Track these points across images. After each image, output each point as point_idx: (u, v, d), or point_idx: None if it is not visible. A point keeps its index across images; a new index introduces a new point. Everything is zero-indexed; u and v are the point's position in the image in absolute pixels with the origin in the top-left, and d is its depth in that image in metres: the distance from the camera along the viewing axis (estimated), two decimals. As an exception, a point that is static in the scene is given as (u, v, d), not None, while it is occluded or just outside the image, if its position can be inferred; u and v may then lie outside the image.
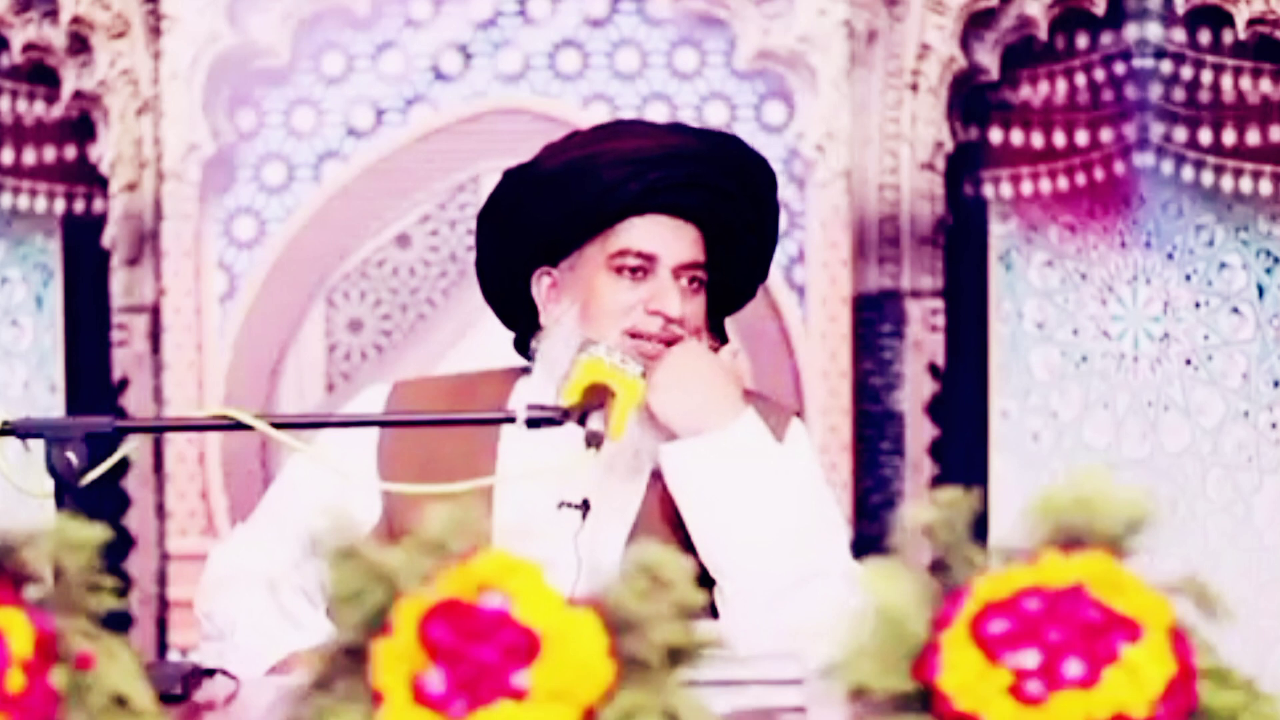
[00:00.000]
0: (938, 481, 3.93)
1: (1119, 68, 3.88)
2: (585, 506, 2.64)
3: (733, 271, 2.74)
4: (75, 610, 1.70)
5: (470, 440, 2.67)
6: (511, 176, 2.74)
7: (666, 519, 2.63)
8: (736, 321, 2.88)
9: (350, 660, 1.65)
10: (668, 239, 2.65)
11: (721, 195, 2.67)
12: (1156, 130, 3.87)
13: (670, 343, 2.63)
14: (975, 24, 3.92)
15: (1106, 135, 3.89)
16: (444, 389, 2.80)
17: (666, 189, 2.64)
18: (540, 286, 2.71)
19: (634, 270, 2.65)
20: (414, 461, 2.62)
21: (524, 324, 2.75)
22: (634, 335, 2.63)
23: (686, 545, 2.56)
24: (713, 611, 2.60)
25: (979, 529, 1.69)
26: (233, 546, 2.81)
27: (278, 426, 2.40)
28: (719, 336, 2.78)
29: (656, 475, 2.66)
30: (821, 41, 3.92)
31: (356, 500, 2.64)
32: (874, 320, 3.96)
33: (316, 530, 1.69)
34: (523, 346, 2.76)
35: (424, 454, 2.65)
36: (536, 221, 2.69)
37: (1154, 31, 3.86)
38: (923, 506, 1.69)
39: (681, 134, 2.76)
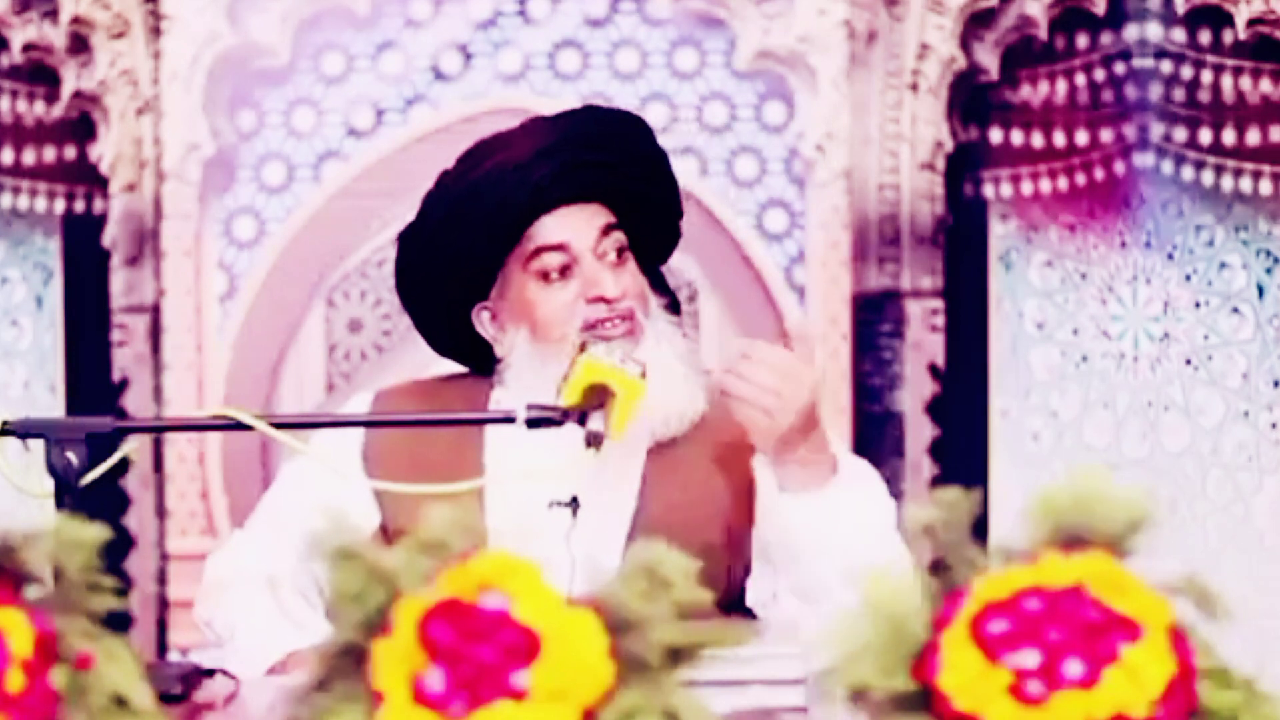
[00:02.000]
0: (938, 481, 3.93)
1: (1119, 68, 3.88)
2: (575, 504, 2.64)
3: (647, 223, 2.73)
4: (75, 610, 1.70)
5: (455, 443, 2.67)
6: (407, 237, 2.73)
7: (668, 518, 2.62)
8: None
9: (350, 660, 1.65)
10: (575, 224, 2.64)
11: (604, 168, 2.66)
12: (1156, 130, 3.87)
13: (624, 319, 2.62)
14: (975, 24, 3.92)
15: (1106, 135, 3.89)
16: (424, 393, 2.80)
17: (550, 184, 2.63)
18: (483, 323, 2.71)
19: (559, 271, 2.63)
20: (400, 467, 2.60)
21: (480, 357, 2.75)
22: (588, 328, 2.62)
23: (689, 545, 2.56)
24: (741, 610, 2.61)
25: (979, 529, 1.69)
26: (230, 551, 2.81)
27: (278, 426, 2.40)
28: (663, 292, 2.76)
29: (652, 471, 2.65)
30: (821, 41, 3.92)
31: (354, 504, 2.64)
32: (874, 320, 3.96)
33: (316, 531, 1.69)
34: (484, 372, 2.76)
35: (410, 458, 2.64)
36: (448, 266, 2.68)
37: (1154, 31, 3.86)
38: (923, 506, 1.69)
39: (544, 126, 2.74)
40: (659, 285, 2.76)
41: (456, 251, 2.66)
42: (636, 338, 2.62)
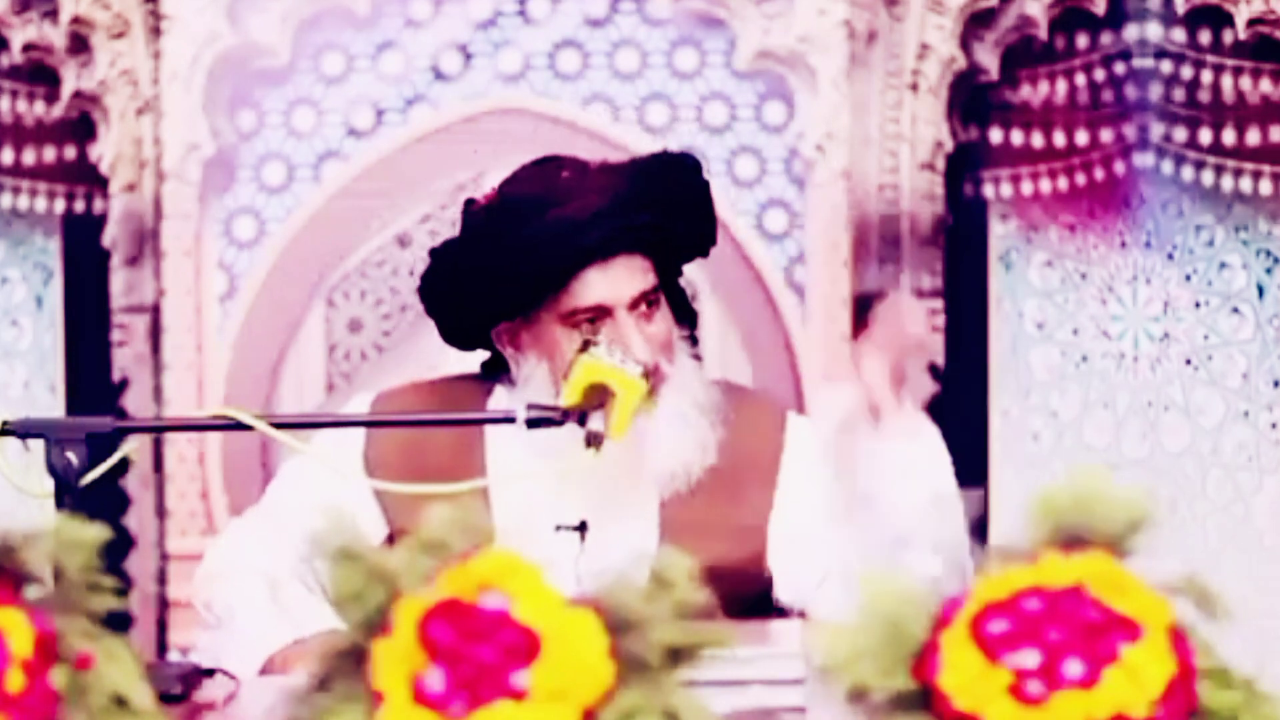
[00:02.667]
0: (938, 481, 3.93)
1: (1119, 68, 3.88)
2: (583, 529, 2.64)
3: (685, 257, 2.75)
4: (75, 610, 1.70)
5: (456, 445, 2.67)
6: (442, 255, 2.72)
7: (692, 546, 2.62)
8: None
9: (350, 660, 1.65)
10: (617, 283, 2.63)
11: (654, 229, 2.65)
12: (1156, 130, 3.87)
13: (647, 375, 2.58)
14: (975, 24, 3.92)
15: (1106, 135, 3.89)
16: (424, 395, 2.79)
17: (599, 247, 2.62)
18: (503, 342, 2.70)
19: (590, 320, 2.63)
20: (401, 469, 2.60)
21: (489, 352, 2.75)
22: None
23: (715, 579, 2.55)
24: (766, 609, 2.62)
25: (979, 529, 1.69)
26: (230, 539, 2.81)
27: (278, 426, 2.40)
28: (685, 317, 2.75)
29: (669, 500, 2.65)
30: (821, 41, 3.92)
31: (356, 505, 2.64)
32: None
33: (317, 531, 1.69)
34: (491, 370, 2.75)
35: (411, 460, 2.64)
36: (478, 297, 2.68)
37: (1154, 31, 3.86)
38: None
39: (603, 182, 2.68)
40: (682, 308, 2.75)
41: (492, 289, 2.65)
42: (658, 394, 2.61)
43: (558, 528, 2.62)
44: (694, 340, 2.76)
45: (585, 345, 2.60)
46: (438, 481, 2.42)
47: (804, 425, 2.75)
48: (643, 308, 2.64)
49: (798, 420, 2.75)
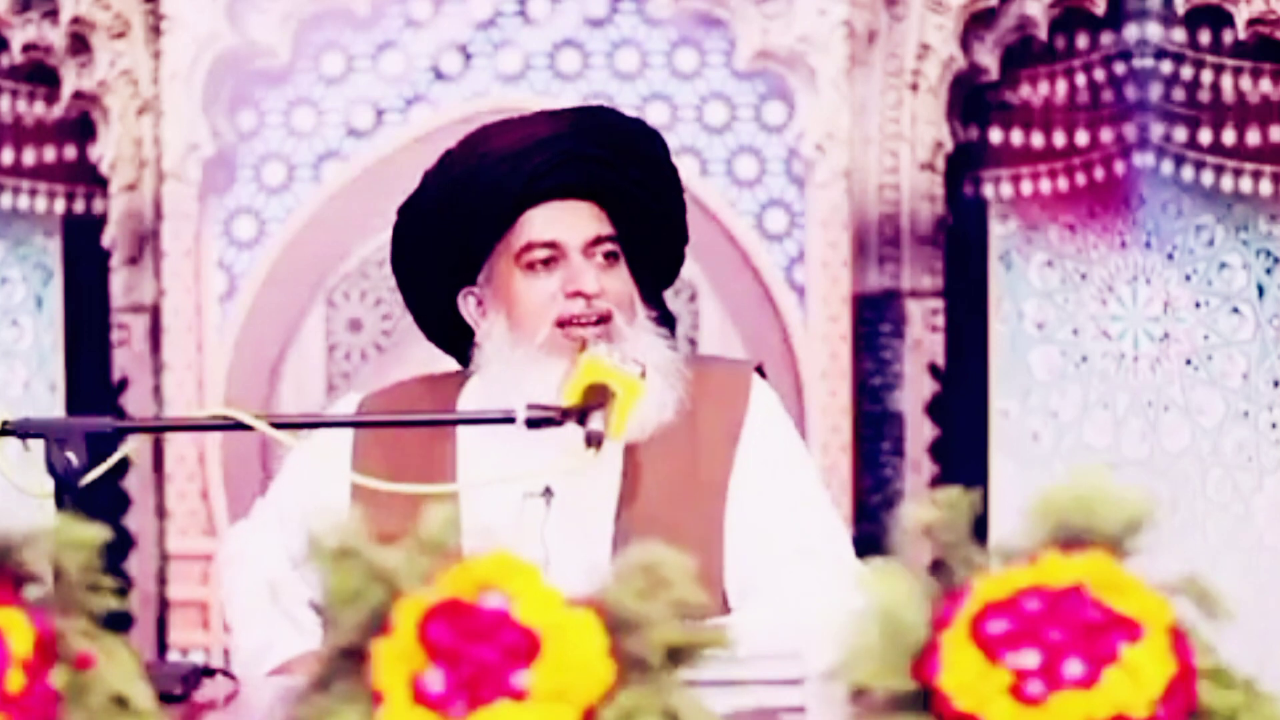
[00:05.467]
0: (938, 481, 3.93)
1: (1119, 68, 3.88)
2: (548, 494, 2.63)
3: (647, 240, 2.72)
4: (75, 610, 1.70)
5: (428, 442, 2.67)
6: (403, 212, 2.74)
7: (654, 509, 2.62)
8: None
9: (350, 661, 1.65)
10: (567, 221, 2.64)
11: (603, 165, 2.65)
12: (1156, 130, 3.87)
13: (601, 320, 2.61)
14: (975, 24, 3.92)
15: (1106, 135, 3.89)
16: (404, 395, 2.79)
17: (547, 173, 2.63)
18: (468, 307, 2.71)
19: (544, 262, 2.63)
20: (379, 469, 2.59)
21: (465, 345, 2.75)
22: (562, 324, 2.62)
23: (678, 535, 2.53)
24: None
25: (979, 529, 1.69)
26: (231, 542, 2.84)
27: (278, 426, 2.40)
28: (658, 308, 2.75)
29: (631, 464, 2.64)
30: (821, 41, 3.92)
31: (337, 507, 2.63)
32: (874, 320, 3.96)
33: (311, 533, 1.69)
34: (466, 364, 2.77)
35: (388, 460, 2.63)
36: (439, 247, 2.69)
37: (1154, 31, 3.86)
38: (923, 506, 1.69)
39: (550, 118, 2.74)
40: (654, 299, 2.76)
41: (448, 234, 2.67)
42: (611, 340, 2.62)
43: (525, 495, 2.61)
44: (668, 324, 2.74)
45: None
46: (412, 475, 2.44)
47: (767, 390, 2.74)
48: (599, 258, 2.64)
49: (762, 383, 2.74)
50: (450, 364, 2.84)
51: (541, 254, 2.64)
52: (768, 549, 2.61)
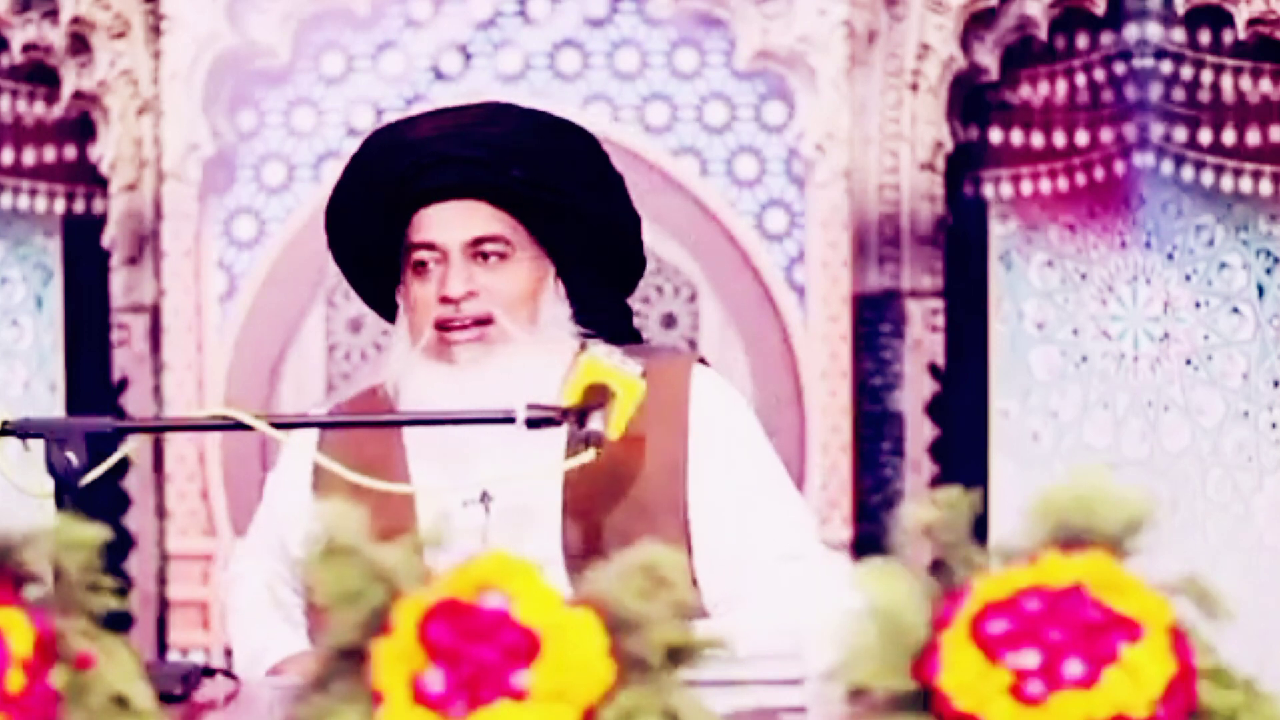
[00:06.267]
0: (938, 481, 3.93)
1: (1119, 68, 3.88)
2: (485, 499, 2.61)
3: (572, 240, 2.67)
4: (75, 610, 1.70)
5: (380, 453, 2.64)
6: (328, 206, 2.75)
7: (600, 507, 2.59)
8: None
9: (349, 660, 1.65)
10: (449, 221, 2.61)
11: (477, 165, 2.62)
12: (1156, 130, 3.87)
13: (478, 323, 2.59)
14: (975, 24, 3.92)
15: (1106, 135, 3.89)
16: (357, 407, 2.77)
17: (416, 176, 2.61)
18: (400, 305, 2.71)
19: (428, 264, 2.62)
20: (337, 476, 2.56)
21: None
22: (438, 326, 2.60)
23: (624, 532, 2.51)
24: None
25: (979, 529, 1.69)
26: (241, 552, 2.85)
27: (278, 426, 2.40)
28: (608, 312, 2.72)
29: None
30: (821, 41, 3.92)
31: (302, 512, 2.62)
32: (874, 320, 3.96)
33: (314, 531, 1.69)
34: None
35: (351, 463, 2.61)
36: (350, 249, 2.72)
37: (1154, 31, 3.86)
38: (923, 506, 1.69)
39: (433, 118, 2.73)
40: (608, 303, 2.72)
41: (357, 231, 2.69)
42: (486, 343, 2.59)
43: (464, 502, 2.59)
44: (614, 334, 2.70)
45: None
46: (370, 473, 2.41)
47: (710, 374, 2.70)
48: (487, 259, 2.61)
49: (704, 370, 2.70)
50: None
51: (422, 255, 2.62)
52: (743, 551, 2.58)
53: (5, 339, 4.01)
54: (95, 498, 2.23)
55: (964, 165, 3.94)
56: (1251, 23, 3.83)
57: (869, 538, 3.85)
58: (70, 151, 3.99)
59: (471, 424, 2.65)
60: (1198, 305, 3.87)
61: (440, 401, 2.55)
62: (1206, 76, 3.86)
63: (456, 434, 2.50)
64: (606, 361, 2.51)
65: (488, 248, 2.62)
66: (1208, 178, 3.86)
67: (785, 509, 2.64)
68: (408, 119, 2.75)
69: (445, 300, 2.59)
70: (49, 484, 2.24)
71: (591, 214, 2.68)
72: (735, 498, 2.61)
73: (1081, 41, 3.90)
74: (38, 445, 2.26)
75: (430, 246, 2.61)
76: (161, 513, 4.00)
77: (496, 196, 2.62)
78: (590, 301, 2.68)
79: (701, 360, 2.73)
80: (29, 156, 3.99)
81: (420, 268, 2.62)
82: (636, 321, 2.82)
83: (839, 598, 1.70)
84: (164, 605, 4.00)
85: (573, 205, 2.66)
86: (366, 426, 2.73)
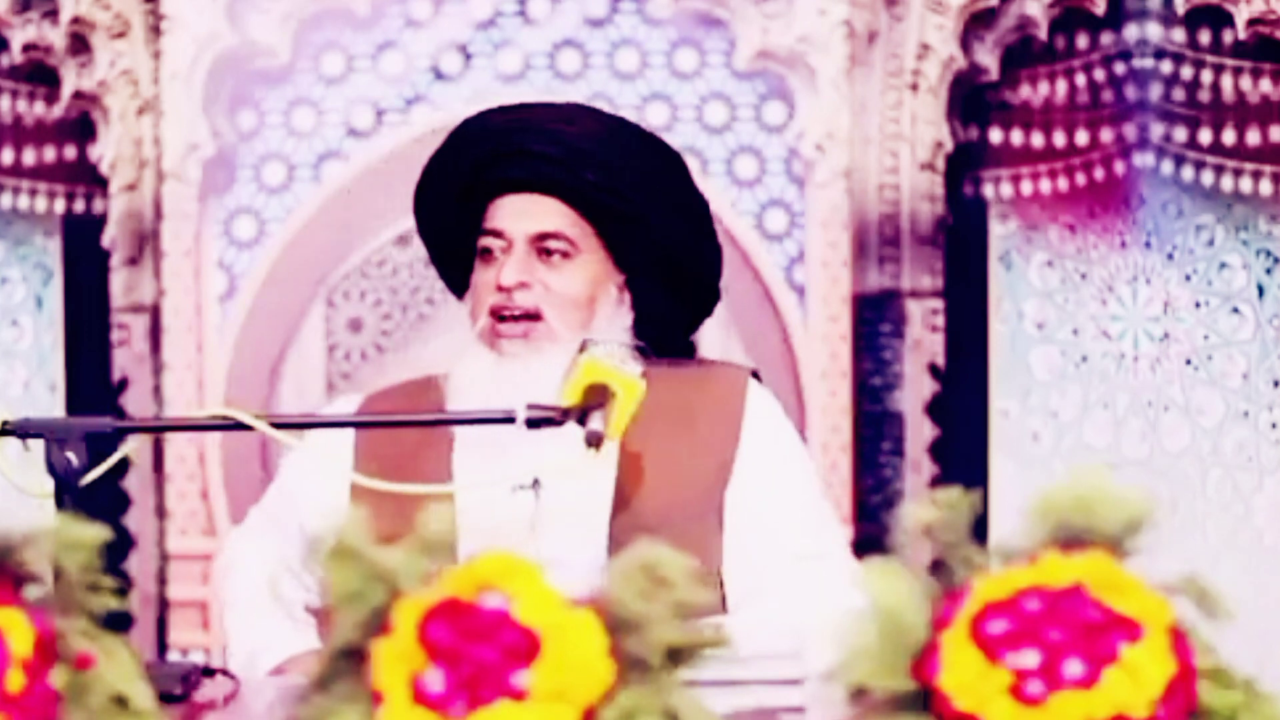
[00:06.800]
0: (938, 481, 3.93)
1: (1119, 68, 3.88)
2: (536, 485, 2.62)
3: (641, 252, 2.69)
4: (75, 610, 1.70)
5: (426, 443, 2.66)
6: (416, 188, 2.78)
7: (651, 499, 2.61)
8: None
9: (350, 660, 1.65)
10: (519, 213, 2.65)
11: (551, 162, 2.64)
12: (1156, 130, 3.87)
13: (526, 317, 2.62)
14: (975, 24, 3.92)
15: (1106, 135, 3.89)
16: (406, 395, 2.78)
17: (491, 164, 2.65)
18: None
19: (493, 252, 2.66)
20: (382, 468, 2.58)
21: None
22: (492, 314, 2.64)
23: (675, 524, 2.52)
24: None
25: (979, 529, 1.69)
26: (233, 545, 2.83)
27: (278, 426, 2.40)
28: (682, 337, 2.74)
29: (625, 463, 2.63)
30: (821, 41, 3.92)
31: (337, 506, 2.63)
32: (874, 320, 3.96)
33: (315, 532, 1.69)
34: None
35: (385, 460, 2.62)
36: (431, 230, 2.76)
37: (1154, 31, 3.86)
38: (923, 506, 1.69)
39: (520, 111, 2.75)
40: (671, 325, 2.74)
41: (436, 212, 2.73)
42: (531, 340, 2.62)
43: (514, 488, 2.60)
44: (653, 351, 2.73)
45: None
46: (408, 475, 2.44)
47: (765, 389, 2.74)
48: (550, 255, 2.64)
49: (760, 387, 2.73)
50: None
51: (490, 242, 2.66)
52: (769, 551, 2.61)
53: (5, 339, 4.01)
54: (95, 498, 2.23)
55: (964, 165, 3.94)
56: (1251, 23, 3.83)
57: (869, 538, 3.84)
58: (70, 151, 3.99)
59: (471, 424, 2.66)
60: (1198, 305, 3.87)
61: (484, 392, 2.58)
62: (1206, 76, 3.86)
63: (505, 429, 2.50)
64: (606, 361, 2.52)
65: (551, 244, 2.65)
66: (1208, 178, 3.86)
67: (812, 513, 2.68)
68: (502, 107, 2.77)
69: (500, 288, 2.63)
70: (49, 484, 2.24)
71: (662, 229, 2.70)
72: (769, 501, 2.65)
73: (1081, 41, 3.90)
74: (38, 445, 2.26)
75: (498, 234, 2.66)
76: (161, 513, 4.00)
77: (569, 195, 2.66)
78: (656, 317, 2.72)
79: (755, 374, 2.77)
80: (29, 156, 3.99)
81: (487, 254, 2.66)
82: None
83: (847, 598, 1.71)
84: (164, 605, 3.99)
85: (642, 216, 2.68)
86: (367, 426, 2.74)
